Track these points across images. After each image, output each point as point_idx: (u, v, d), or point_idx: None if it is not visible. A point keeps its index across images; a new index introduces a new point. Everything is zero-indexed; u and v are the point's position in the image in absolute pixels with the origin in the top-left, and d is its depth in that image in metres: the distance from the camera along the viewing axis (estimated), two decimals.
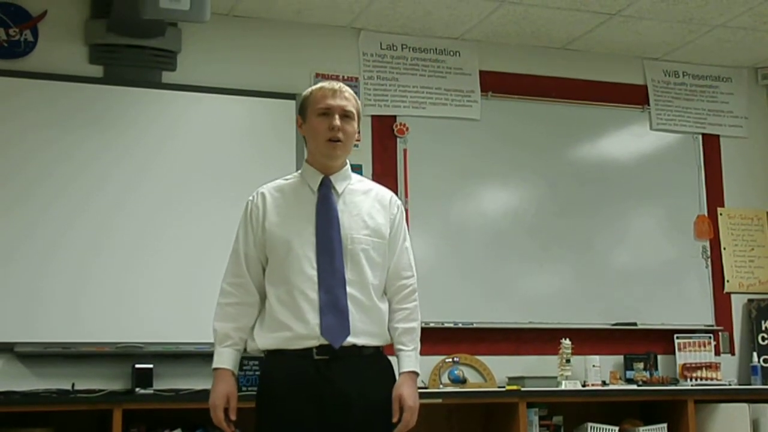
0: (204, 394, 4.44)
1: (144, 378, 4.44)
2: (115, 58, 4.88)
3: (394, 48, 5.42)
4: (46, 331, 4.53)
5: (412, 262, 3.06)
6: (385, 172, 5.25)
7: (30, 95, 4.71)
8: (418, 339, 3.00)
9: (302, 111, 3.02)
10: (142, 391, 4.37)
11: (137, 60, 4.90)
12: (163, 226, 4.80)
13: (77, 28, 4.87)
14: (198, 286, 4.73)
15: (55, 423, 4.33)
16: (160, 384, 4.51)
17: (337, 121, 2.92)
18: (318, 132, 2.95)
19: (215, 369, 2.94)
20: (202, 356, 4.67)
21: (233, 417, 2.88)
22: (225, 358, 2.94)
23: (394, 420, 2.87)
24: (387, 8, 5.12)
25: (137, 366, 4.47)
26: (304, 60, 5.23)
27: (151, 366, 4.48)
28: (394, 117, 5.35)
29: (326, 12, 5.15)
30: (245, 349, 3.01)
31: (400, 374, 2.94)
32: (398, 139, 5.34)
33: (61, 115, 4.75)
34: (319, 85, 3.02)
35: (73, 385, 4.44)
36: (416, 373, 2.95)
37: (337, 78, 5.16)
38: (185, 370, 4.66)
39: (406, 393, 2.89)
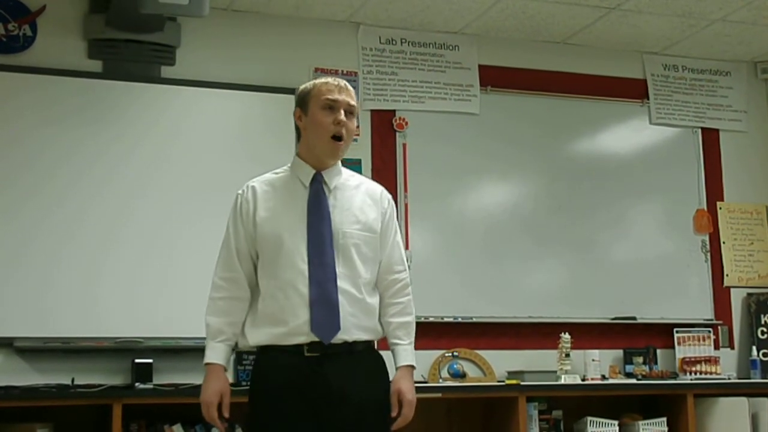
0: None
1: (144, 373, 4.44)
2: (114, 53, 4.88)
3: (393, 42, 5.42)
4: (45, 326, 4.53)
5: (404, 256, 3.04)
6: (385, 167, 5.25)
7: (29, 90, 4.70)
8: (414, 333, 2.99)
9: (303, 103, 2.95)
10: (142, 386, 4.38)
11: (136, 55, 4.90)
12: (163, 222, 4.79)
13: (76, 22, 4.86)
14: (197, 281, 4.70)
15: (55, 418, 4.34)
16: (159, 379, 4.52)
17: (343, 116, 2.89)
18: (321, 125, 2.89)
19: (207, 364, 2.89)
20: (201, 351, 4.62)
21: (226, 414, 2.84)
22: (218, 354, 2.89)
23: (393, 414, 2.86)
24: (386, 2, 5.11)
25: (137, 361, 4.48)
26: (303, 55, 5.22)
27: (150, 361, 4.49)
28: (394, 111, 5.35)
29: (325, 6, 5.15)
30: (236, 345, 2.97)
31: (397, 368, 2.92)
32: (397, 134, 5.33)
33: (60, 110, 4.74)
34: (323, 79, 2.98)
35: (72, 380, 4.45)
36: (413, 367, 2.94)
37: (336, 73, 5.17)
38: (185, 364, 4.66)
39: (405, 387, 2.88)
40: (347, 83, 2.97)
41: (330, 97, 2.90)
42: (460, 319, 5.23)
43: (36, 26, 4.80)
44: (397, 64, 5.41)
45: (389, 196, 3.07)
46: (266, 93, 5.08)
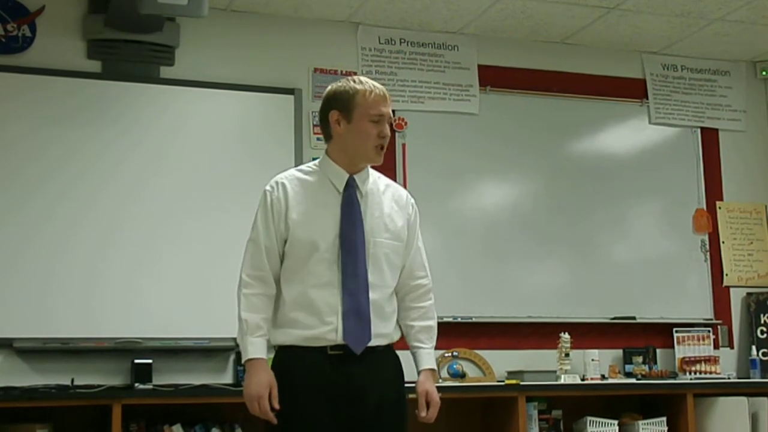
0: (203, 389, 4.47)
1: (143, 373, 4.44)
2: (113, 53, 4.88)
3: (393, 42, 5.42)
4: (45, 327, 4.53)
5: (426, 261, 3.08)
6: (384, 167, 5.11)
7: (28, 91, 4.70)
8: (435, 337, 3.06)
9: (345, 108, 2.92)
10: (142, 387, 4.37)
11: (135, 55, 4.90)
12: (164, 222, 4.79)
13: (75, 23, 4.86)
14: (196, 281, 4.74)
15: (55, 418, 4.34)
16: (159, 379, 4.52)
17: (387, 129, 2.94)
18: (369, 137, 2.91)
19: (251, 359, 2.82)
20: (201, 351, 4.68)
21: (276, 406, 2.79)
22: (260, 348, 2.84)
23: (423, 414, 2.93)
24: (385, 2, 5.11)
25: (136, 361, 4.47)
26: (302, 55, 5.22)
27: (150, 361, 4.49)
28: (393, 111, 5.32)
29: (324, 7, 5.15)
30: None
31: (421, 371, 2.97)
32: (397, 134, 5.32)
33: (59, 111, 4.74)
34: (368, 86, 2.93)
35: (72, 380, 4.45)
36: (435, 371, 3.03)
37: (335, 73, 5.17)
38: (184, 365, 4.67)
39: (432, 389, 2.96)
40: (385, 89, 2.98)
41: (377, 111, 2.91)
42: (459, 319, 5.23)
43: (35, 27, 4.80)
44: (396, 64, 5.40)
45: (413, 201, 3.10)
46: (265, 93, 5.08)
